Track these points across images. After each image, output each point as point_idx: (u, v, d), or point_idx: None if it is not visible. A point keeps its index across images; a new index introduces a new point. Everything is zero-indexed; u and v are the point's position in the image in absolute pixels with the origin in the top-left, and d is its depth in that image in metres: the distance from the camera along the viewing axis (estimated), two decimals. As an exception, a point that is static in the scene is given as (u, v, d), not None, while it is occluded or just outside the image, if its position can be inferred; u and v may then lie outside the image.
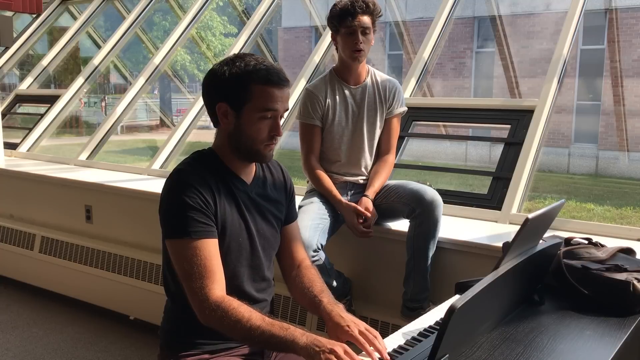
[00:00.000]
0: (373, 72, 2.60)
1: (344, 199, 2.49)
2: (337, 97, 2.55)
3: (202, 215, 1.51)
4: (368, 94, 2.56)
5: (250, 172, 1.66)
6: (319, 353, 1.32)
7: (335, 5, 2.48)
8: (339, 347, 1.33)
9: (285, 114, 1.59)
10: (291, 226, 1.78)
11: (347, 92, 2.56)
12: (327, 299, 1.58)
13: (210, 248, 1.51)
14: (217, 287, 1.49)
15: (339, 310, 1.53)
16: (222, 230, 1.56)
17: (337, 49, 2.55)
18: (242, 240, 1.60)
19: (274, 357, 1.69)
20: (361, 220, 2.43)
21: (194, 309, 1.51)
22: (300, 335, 1.38)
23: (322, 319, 1.56)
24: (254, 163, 1.67)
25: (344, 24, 2.43)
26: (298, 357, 1.43)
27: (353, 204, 2.45)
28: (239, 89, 1.53)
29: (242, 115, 1.55)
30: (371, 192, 2.50)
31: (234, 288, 1.57)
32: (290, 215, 1.77)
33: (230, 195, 1.59)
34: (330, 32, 2.56)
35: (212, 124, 1.65)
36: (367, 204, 2.45)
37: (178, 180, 1.54)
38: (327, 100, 2.53)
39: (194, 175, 1.54)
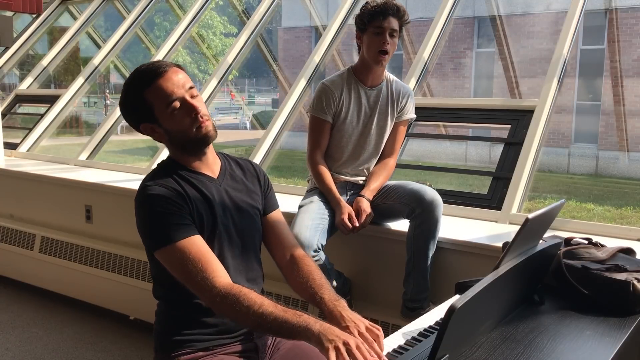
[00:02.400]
0: (389, 76, 2.61)
1: (342, 199, 2.49)
2: (352, 96, 2.55)
3: (178, 217, 1.53)
4: (382, 97, 2.57)
5: (212, 166, 1.69)
6: (332, 342, 1.31)
7: (366, 4, 2.49)
8: (353, 341, 1.32)
9: (194, 90, 1.60)
10: (273, 215, 1.79)
11: (362, 92, 2.56)
12: (328, 295, 1.56)
13: (198, 243, 1.53)
14: (220, 274, 1.50)
15: (340, 309, 1.50)
16: (200, 229, 1.58)
17: (359, 48, 2.55)
18: (219, 233, 1.62)
19: (268, 355, 1.68)
20: (349, 224, 2.41)
21: (204, 303, 1.51)
22: (314, 322, 1.37)
23: (323, 315, 1.56)
24: (213, 157, 1.69)
25: (374, 23, 2.43)
26: (295, 354, 1.42)
27: (350, 208, 2.45)
28: (139, 105, 1.59)
29: (160, 121, 1.60)
30: (367, 192, 2.50)
31: None
32: (270, 204, 1.79)
33: (199, 193, 1.61)
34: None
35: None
36: (362, 203, 2.45)
37: (145, 195, 1.56)
38: (342, 97, 2.53)
39: (158, 186, 1.57)
